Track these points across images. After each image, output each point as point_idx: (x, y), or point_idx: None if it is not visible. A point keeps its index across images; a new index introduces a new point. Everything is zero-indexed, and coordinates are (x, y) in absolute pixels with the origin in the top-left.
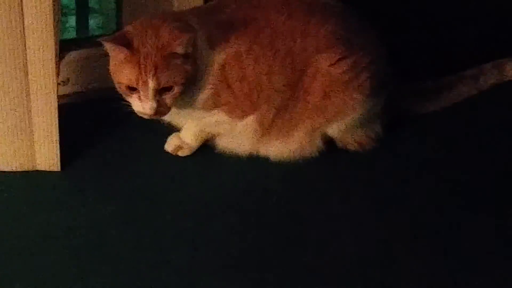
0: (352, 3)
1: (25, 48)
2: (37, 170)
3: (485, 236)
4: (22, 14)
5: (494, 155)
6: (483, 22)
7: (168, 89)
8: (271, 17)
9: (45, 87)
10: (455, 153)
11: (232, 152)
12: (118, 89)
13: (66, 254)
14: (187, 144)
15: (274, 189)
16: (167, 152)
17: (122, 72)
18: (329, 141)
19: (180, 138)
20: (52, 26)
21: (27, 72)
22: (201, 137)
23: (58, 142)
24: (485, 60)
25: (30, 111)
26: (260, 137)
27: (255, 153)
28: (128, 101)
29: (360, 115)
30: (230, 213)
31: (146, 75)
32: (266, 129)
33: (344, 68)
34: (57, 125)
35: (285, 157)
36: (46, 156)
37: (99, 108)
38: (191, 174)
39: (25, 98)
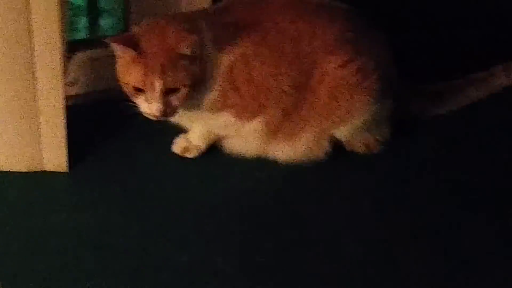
0: (358, 5)
1: (32, 49)
2: (45, 171)
3: (485, 236)
4: (29, 15)
5: (494, 155)
6: (487, 22)
7: (175, 90)
8: (278, 19)
9: (53, 88)
10: (455, 153)
11: (239, 153)
12: (125, 90)
13: (72, 255)
14: (195, 145)
15: (281, 191)
16: (175, 154)
17: (128, 73)
18: (336, 144)
19: (187, 140)
20: (59, 27)
21: (34, 73)
22: (209, 138)
23: (65, 142)
24: (490, 60)
25: (38, 111)
26: (267, 139)
27: (262, 155)
28: (135, 102)
29: (368, 117)
30: (237, 215)
31: (153, 76)
32: (273, 131)
33: (351, 70)
34: (65, 125)
35: (292, 159)
36: (54, 156)
37: (107, 108)
38: (198, 175)
39: (33, 98)
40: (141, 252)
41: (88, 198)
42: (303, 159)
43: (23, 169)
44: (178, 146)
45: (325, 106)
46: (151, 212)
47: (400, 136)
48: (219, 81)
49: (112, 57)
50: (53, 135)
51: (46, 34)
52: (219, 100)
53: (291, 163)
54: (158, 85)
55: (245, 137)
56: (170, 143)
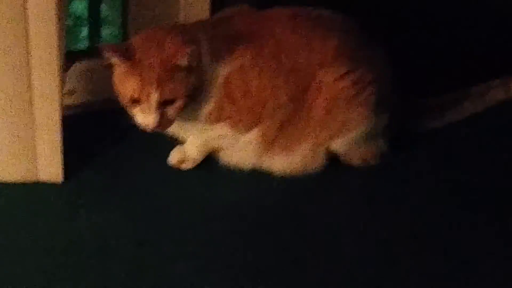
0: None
1: (29, 57)
2: (40, 181)
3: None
4: (27, 24)
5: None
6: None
7: (171, 101)
8: (275, 31)
9: (49, 97)
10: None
11: (235, 165)
12: (121, 101)
13: (68, 265)
14: (190, 157)
15: (277, 203)
16: (171, 165)
17: (124, 83)
18: (333, 156)
19: (183, 151)
20: (56, 36)
21: (30, 82)
22: (205, 150)
23: (61, 153)
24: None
25: (34, 121)
26: (263, 151)
27: (258, 167)
28: (131, 113)
29: (364, 130)
30: (233, 226)
31: (149, 87)
32: (269, 143)
33: (348, 83)
34: (61, 135)
35: (288, 171)
36: (49, 167)
37: (104, 119)
38: (194, 187)
39: (28, 108)
40: (137, 262)
41: (83, 209)
42: (299, 171)
43: (18, 180)
44: (174, 157)
45: (321, 118)
46: (147, 223)
47: (397, 149)
48: (216, 92)
49: (111, 67)
50: (49, 145)
51: (43, 43)
52: (216, 112)
53: (287, 175)
54: (154, 96)
55: (241, 149)
56: (167, 154)
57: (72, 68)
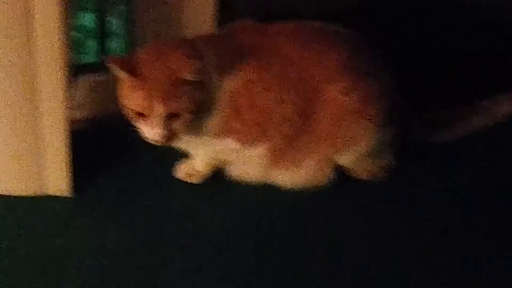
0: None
1: (36, 72)
2: (48, 195)
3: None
4: (33, 38)
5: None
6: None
7: (177, 115)
8: (282, 45)
9: (56, 111)
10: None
11: (242, 179)
12: (127, 115)
13: (75, 279)
14: (198, 171)
15: (284, 217)
16: (178, 179)
17: (130, 97)
18: (340, 170)
19: (190, 165)
20: (63, 49)
21: (37, 96)
22: (212, 164)
23: (69, 167)
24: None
25: (41, 135)
26: (270, 165)
27: (265, 181)
28: (137, 127)
29: (371, 144)
30: (239, 240)
31: (154, 101)
32: (276, 157)
33: (355, 97)
34: (69, 149)
35: (295, 185)
36: (57, 181)
37: (112, 133)
38: (201, 201)
39: (36, 122)
40: (145, 276)
41: (91, 223)
42: (306, 185)
43: (26, 193)
44: (181, 171)
45: (328, 132)
46: (155, 237)
47: (406, 163)
48: (222, 106)
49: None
50: (57, 159)
51: (49, 57)
52: (222, 126)
53: (295, 189)
54: (159, 110)
55: (248, 163)
56: (174, 167)
57: (80, 81)
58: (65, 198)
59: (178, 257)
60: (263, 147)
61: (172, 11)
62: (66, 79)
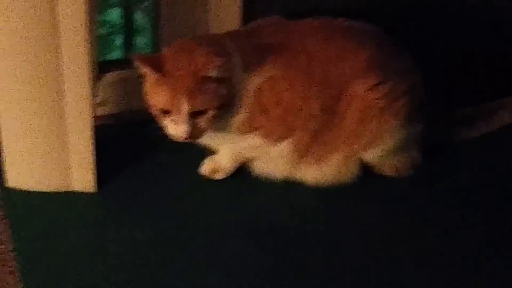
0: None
1: (61, 69)
2: (73, 191)
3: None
4: (58, 35)
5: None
6: None
7: (202, 112)
8: (307, 42)
9: (81, 108)
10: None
11: (267, 176)
12: (152, 112)
13: (99, 276)
14: (223, 167)
15: (309, 214)
16: (202, 175)
17: (155, 95)
18: (365, 166)
19: (215, 161)
20: (87, 45)
21: (62, 93)
22: (237, 160)
23: (94, 163)
24: None
25: (66, 132)
26: (295, 161)
27: (290, 177)
28: (162, 124)
29: (397, 141)
30: (265, 237)
31: (179, 98)
32: (301, 154)
33: (381, 93)
34: (93, 146)
35: (321, 182)
36: (82, 177)
37: (136, 129)
38: (226, 197)
39: (61, 119)
40: (168, 274)
41: (116, 219)
42: (332, 181)
43: (51, 189)
44: (206, 167)
45: (353, 129)
46: (179, 234)
47: (431, 160)
48: (247, 103)
49: (143, 77)
50: (82, 156)
51: (75, 54)
52: (247, 122)
53: (320, 185)
54: (184, 107)
55: (273, 160)
56: (198, 164)
57: (104, 78)
58: (90, 194)
59: (201, 254)
60: (288, 144)
61: (198, 6)
62: (91, 77)
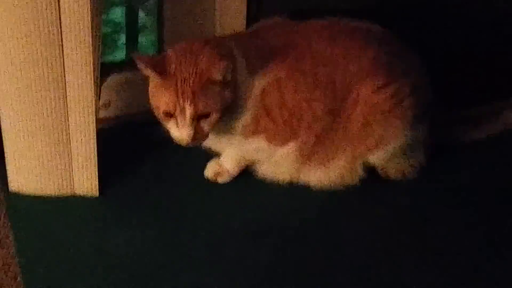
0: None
1: (64, 71)
2: (76, 195)
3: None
4: (61, 37)
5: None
6: None
7: (206, 115)
8: (312, 43)
9: (84, 111)
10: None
11: (272, 179)
12: (155, 114)
13: (103, 280)
14: (227, 170)
15: (313, 217)
16: (206, 178)
17: (159, 97)
18: (370, 169)
19: (219, 164)
20: (91, 48)
21: (65, 96)
22: (241, 163)
23: (96, 166)
24: None
25: (69, 135)
26: (300, 164)
27: (295, 180)
28: (165, 126)
29: (402, 143)
30: (269, 240)
31: (183, 101)
32: (306, 157)
33: (386, 95)
34: (96, 149)
35: (325, 185)
36: (85, 180)
37: (139, 132)
38: (229, 200)
39: (64, 121)
40: (172, 276)
41: (119, 222)
42: (336, 184)
43: (54, 193)
44: (209, 170)
45: (359, 131)
46: (182, 237)
47: (436, 162)
48: (252, 105)
49: (146, 79)
50: (84, 159)
51: (78, 57)
52: (251, 125)
53: (325, 188)
54: (188, 110)
55: (277, 162)
56: (202, 167)
57: (108, 80)
58: (92, 197)
59: (206, 256)
60: (293, 146)
61: (202, 6)
62: (94, 80)
